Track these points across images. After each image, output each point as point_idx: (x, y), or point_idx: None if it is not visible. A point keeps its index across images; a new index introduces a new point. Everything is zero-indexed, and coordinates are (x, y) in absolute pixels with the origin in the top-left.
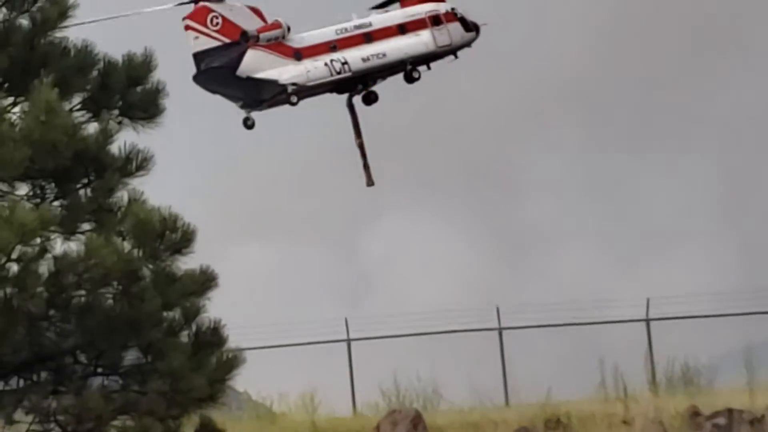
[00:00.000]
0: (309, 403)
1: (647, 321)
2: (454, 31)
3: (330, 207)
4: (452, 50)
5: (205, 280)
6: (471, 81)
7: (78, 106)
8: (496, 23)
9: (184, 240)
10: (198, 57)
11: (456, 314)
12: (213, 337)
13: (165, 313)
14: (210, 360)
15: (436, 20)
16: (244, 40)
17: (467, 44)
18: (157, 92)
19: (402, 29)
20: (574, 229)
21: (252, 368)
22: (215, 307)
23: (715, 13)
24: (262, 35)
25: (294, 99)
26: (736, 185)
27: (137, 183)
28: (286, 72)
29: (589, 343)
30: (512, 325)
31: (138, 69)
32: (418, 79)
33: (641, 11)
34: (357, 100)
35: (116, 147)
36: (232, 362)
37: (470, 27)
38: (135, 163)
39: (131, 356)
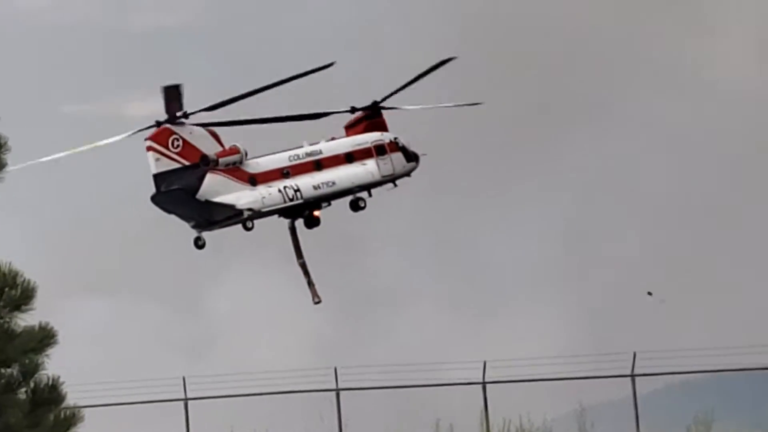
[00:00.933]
0: None
1: (483, 384)
2: (396, 161)
3: (174, 263)
4: (394, 179)
5: (44, 337)
6: None
7: None
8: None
9: (24, 296)
10: (159, 178)
11: (295, 374)
12: (51, 395)
13: (2, 370)
14: (48, 417)
15: (380, 150)
16: (204, 164)
17: (408, 173)
18: None
19: (349, 158)
20: (418, 288)
21: (90, 426)
22: (54, 364)
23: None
24: (221, 160)
25: (249, 224)
26: (581, 249)
27: None
28: (243, 197)
29: (426, 404)
30: (350, 386)
31: None
32: (363, 208)
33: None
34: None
35: None
36: (70, 420)
37: (411, 157)
38: None
39: None
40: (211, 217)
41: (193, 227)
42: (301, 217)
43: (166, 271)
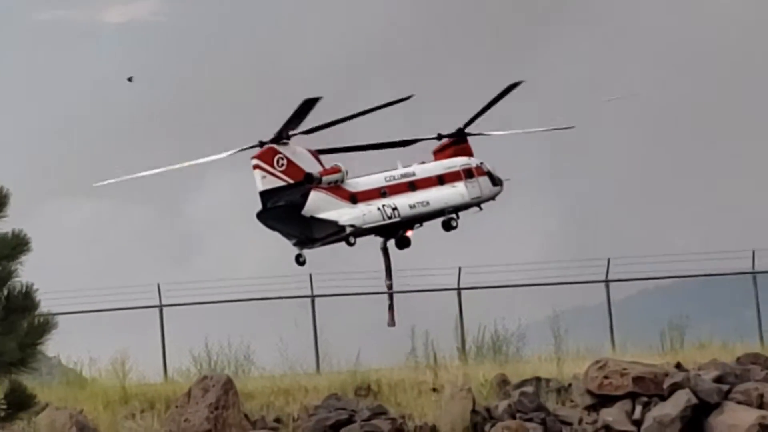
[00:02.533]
0: (120, 369)
1: (458, 290)
2: (484, 185)
3: (156, 165)
4: (480, 202)
5: (17, 244)
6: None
7: None
8: None
9: None
10: (265, 195)
11: (271, 281)
12: (24, 302)
13: None
14: (21, 324)
15: (469, 174)
16: (308, 182)
17: (493, 197)
18: None
19: (441, 180)
20: None
21: (63, 333)
22: (27, 271)
23: None
24: (324, 178)
25: (352, 240)
26: (557, 156)
27: None
28: (345, 214)
29: (401, 311)
30: (325, 293)
31: None
32: (455, 227)
33: None
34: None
35: None
36: (44, 327)
37: (497, 181)
38: None
39: None
40: (312, 233)
41: (295, 245)
42: (394, 236)
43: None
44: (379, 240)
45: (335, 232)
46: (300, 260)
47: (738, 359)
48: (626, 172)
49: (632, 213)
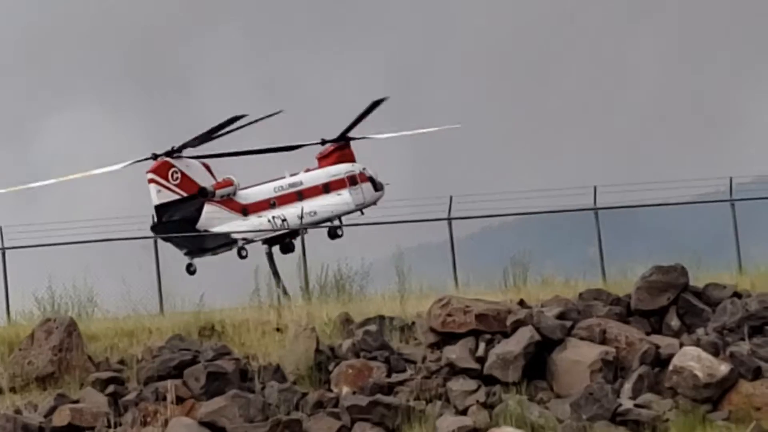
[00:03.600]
0: None
1: (301, 229)
2: (367, 191)
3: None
4: (363, 207)
5: None
6: None
7: None
8: None
9: None
10: (160, 209)
11: (113, 223)
12: None
13: None
14: None
15: (353, 180)
16: (202, 196)
17: (375, 202)
18: None
19: (326, 188)
20: None
21: None
22: None
23: None
24: (217, 191)
25: (243, 252)
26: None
27: None
28: (236, 227)
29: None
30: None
31: None
32: (341, 236)
33: None
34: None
35: None
36: None
37: (378, 187)
38: None
39: None
40: (205, 245)
41: (186, 254)
42: (280, 243)
43: None
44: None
45: (227, 243)
46: (191, 270)
47: (580, 295)
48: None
49: (476, 151)
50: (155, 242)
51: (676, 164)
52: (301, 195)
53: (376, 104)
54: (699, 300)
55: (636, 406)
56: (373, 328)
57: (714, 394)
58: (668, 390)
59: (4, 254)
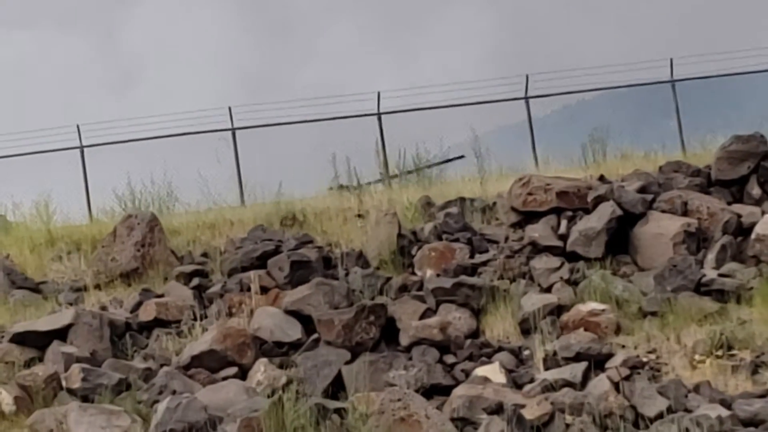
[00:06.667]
0: (44, 212)
1: (378, 115)
2: None
3: None
4: None
5: None
6: None
7: None
8: None
9: None
10: None
11: (190, 117)
12: None
13: None
14: None
15: None
16: None
17: None
18: None
19: None
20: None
21: None
22: None
23: None
24: None
25: None
26: None
27: None
28: None
29: (321, 139)
30: (245, 125)
31: None
32: None
33: None
34: None
35: None
36: None
37: None
38: None
39: None
40: None
41: None
42: None
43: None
44: None
45: None
46: None
47: (660, 168)
48: None
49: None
50: (233, 133)
51: (754, 31)
52: None
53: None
54: None
55: (720, 275)
56: (454, 210)
57: None
58: (751, 258)
59: (82, 152)
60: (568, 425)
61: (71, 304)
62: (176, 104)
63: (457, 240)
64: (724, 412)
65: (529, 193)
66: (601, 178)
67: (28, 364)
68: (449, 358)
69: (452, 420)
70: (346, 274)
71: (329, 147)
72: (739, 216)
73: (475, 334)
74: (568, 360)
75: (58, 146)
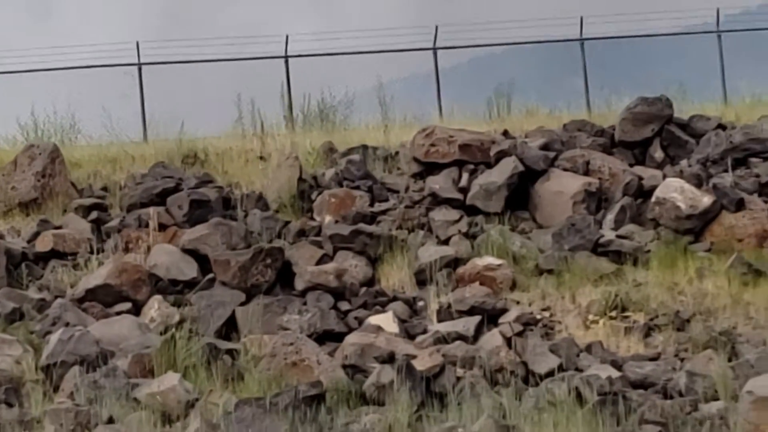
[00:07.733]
0: None
1: (285, 58)
2: None
3: None
4: None
5: None
6: None
7: None
8: None
9: None
10: None
11: (97, 50)
12: None
13: None
14: None
15: None
16: None
17: None
18: None
19: None
20: None
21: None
22: None
23: None
24: None
25: None
26: None
27: None
28: None
29: (227, 79)
30: (152, 61)
31: None
32: None
33: None
34: None
35: None
36: None
37: None
38: None
39: None
40: None
41: None
42: None
43: None
44: None
45: None
46: None
47: (564, 126)
48: None
49: None
50: (139, 69)
51: None
52: None
53: None
54: (683, 132)
55: (618, 237)
56: (356, 157)
57: (696, 226)
58: (650, 221)
59: None
60: (458, 378)
61: None
62: (93, 36)
63: (357, 188)
64: (615, 373)
65: (432, 144)
66: (505, 133)
67: None
68: (343, 305)
69: (343, 367)
70: (245, 216)
71: (237, 88)
72: (641, 178)
73: (370, 282)
74: (462, 313)
75: None
